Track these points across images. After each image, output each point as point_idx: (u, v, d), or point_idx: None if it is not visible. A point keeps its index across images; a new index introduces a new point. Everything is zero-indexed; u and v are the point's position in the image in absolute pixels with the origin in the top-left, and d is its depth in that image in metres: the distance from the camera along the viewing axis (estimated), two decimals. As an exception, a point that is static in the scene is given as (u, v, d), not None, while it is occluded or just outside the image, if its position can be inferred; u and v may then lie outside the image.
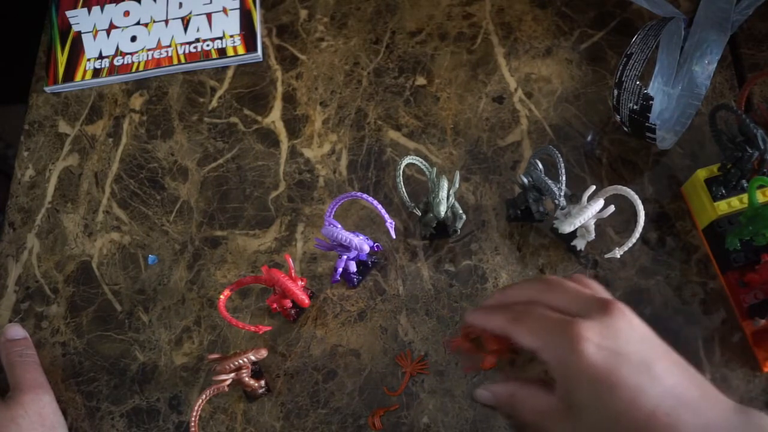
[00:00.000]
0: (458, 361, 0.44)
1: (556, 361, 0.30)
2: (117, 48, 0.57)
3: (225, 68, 0.57)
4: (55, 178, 0.54)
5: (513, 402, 0.33)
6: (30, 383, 0.44)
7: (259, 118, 0.54)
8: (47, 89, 0.57)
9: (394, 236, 0.43)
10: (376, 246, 0.47)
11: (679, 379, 0.29)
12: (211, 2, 0.58)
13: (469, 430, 0.42)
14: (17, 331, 0.48)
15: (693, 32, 0.50)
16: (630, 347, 0.30)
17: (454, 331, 0.45)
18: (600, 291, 0.35)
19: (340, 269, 0.45)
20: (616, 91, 0.44)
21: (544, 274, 0.46)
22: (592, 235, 0.44)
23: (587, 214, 0.41)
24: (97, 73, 0.57)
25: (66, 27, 0.59)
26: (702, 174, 0.45)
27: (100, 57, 0.57)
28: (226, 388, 0.42)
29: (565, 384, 0.30)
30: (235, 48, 0.56)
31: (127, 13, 0.59)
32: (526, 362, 0.36)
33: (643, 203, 0.40)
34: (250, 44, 0.56)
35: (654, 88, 0.50)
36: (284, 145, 0.53)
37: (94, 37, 0.58)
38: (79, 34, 0.58)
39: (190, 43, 0.57)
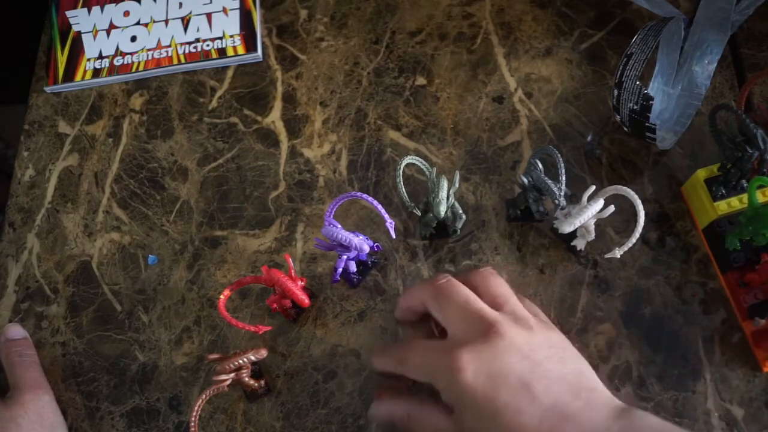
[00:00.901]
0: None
1: (445, 390, 0.31)
2: (117, 48, 0.57)
3: (225, 68, 0.57)
4: (55, 178, 0.54)
5: (409, 421, 0.33)
6: (30, 383, 0.44)
7: (259, 118, 0.54)
8: (47, 89, 0.57)
9: (394, 236, 0.43)
10: (376, 246, 0.47)
11: (559, 395, 0.30)
12: (211, 2, 0.58)
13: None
14: (17, 331, 0.48)
15: (693, 32, 0.50)
16: (508, 369, 0.30)
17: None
18: (497, 290, 0.35)
19: (340, 269, 0.45)
20: (616, 91, 0.44)
21: (542, 273, 0.46)
22: (592, 235, 0.44)
23: (587, 214, 0.41)
24: (97, 73, 0.57)
25: (66, 27, 0.59)
26: (702, 174, 0.45)
27: (100, 57, 0.57)
28: (226, 388, 0.42)
29: (456, 410, 0.31)
30: (235, 48, 0.56)
31: (127, 13, 0.59)
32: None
33: (643, 203, 0.40)
34: (250, 44, 0.56)
35: (654, 88, 0.50)
36: (284, 145, 0.53)
37: (94, 37, 0.58)
38: (79, 34, 0.58)
39: (190, 43, 0.57)
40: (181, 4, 0.59)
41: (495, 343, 0.30)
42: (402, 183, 0.44)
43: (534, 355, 0.31)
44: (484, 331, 0.31)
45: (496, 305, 0.34)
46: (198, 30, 0.57)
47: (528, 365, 0.30)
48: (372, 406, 0.37)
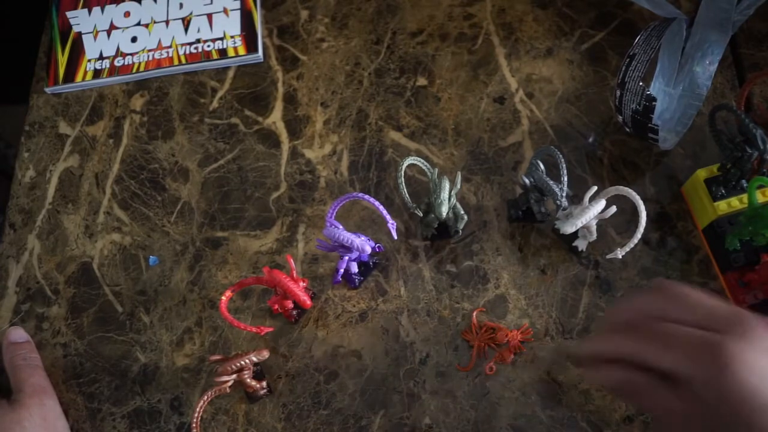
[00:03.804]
0: (460, 362, 0.44)
1: (703, 382, 0.29)
2: (117, 49, 0.57)
3: (226, 69, 0.56)
4: (56, 179, 0.54)
5: (632, 389, 0.31)
6: (34, 387, 0.44)
7: (260, 119, 0.54)
8: (48, 90, 0.57)
9: (395, 237, 0.43)
10: (378, 247, 0.47)
11: None
12: (211, 3, 0.58)
13: (470, 431, 0.42)
14: (20, 334, 0.47)
15: (694, 33, 0.50)
16: None
17: (456, 332, 0.45)
18: (715, 299, 0.32)
19: (342, 270, 0.45)
20: (618, 92, 0.44)
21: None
22: (594, 236, 0.44)
23: (589, 215, 0.41)
24: (97, 73, 0.57)
25: (66, 28, 0.59)
26: (702, 174, 0.45)
27: (101, 58, 0.57)
28: (228, 389, 0.42)
29: (713, 403, 0.28)
30: (235, 49, 0.56)
31: (127, 14, 0.59)
32: None
33: (644, 204, 0.40)
34: (250, 45, 0.56)
35: (655, 89, 0.50)
36: (285, 146, 0.53)
37: (95, 37, 0.58)
38: (79, 34, 0.58)
39: (190, 44, 0.57)
40: (181, 5, 0.59)
41: (762, 332, 0.28)
42: (403, 184, 0.44)
43: None
44: (743, 322, 0.29)
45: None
46: (199, 31, 0.57)
47: None
48: (592, 373, 0.33)
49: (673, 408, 0.30)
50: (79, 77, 0.57)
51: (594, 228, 0.43)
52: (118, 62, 0.57)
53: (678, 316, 0.31)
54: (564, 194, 0.43)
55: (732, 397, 0.28)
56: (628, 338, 0.32)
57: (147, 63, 0.56)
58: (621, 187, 0.40)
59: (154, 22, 0.58)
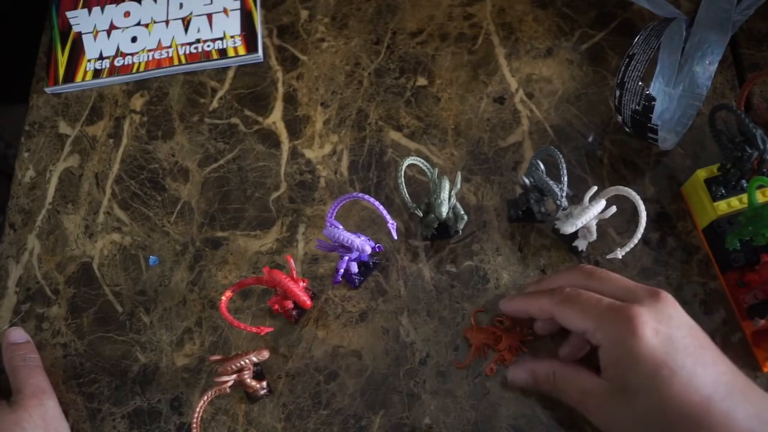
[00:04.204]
0: (460, 362, 0.44)
1: (610, 343, 0.30)
2: (117, 49, 0.57)
3: (226, 69, 0.56)
4: (56, 179, 0.54)
5: (555, 381, 0.33)
6: (34, 388, 0.44)
7: (260, 119, 0.54)
8: (47, 90, 0.57)
9: (395, 237, 0.43)
10: (378, 247, 0.47)
11: (726, 367, 0.30)
12: (211, 3, 0.58)
13: (470, 431, 0.43)
14: (20, 334, 0.47)
15: (694, 33, 0.50)
16: (683, 333, 0.30)
17: (456, 332, 0.45)
18: (632, 281, 0.35)
19: (342, 270, 0.45)
20: (618, 92, 0.44)
21: (545, 273, 0.46)
22: (594, 236, 0.44)
23: (589, 215, 0.41)
24: (97, 73, 0.57)
25: (66, 28, 0.59)
26: (702, 174, 0.45)
27: (101, 58, 0.57)
28: (228, 389, 0.42)
29: (619, 366, 0.30)
30: (235, 48, 0.56)
31: (127, 14, 0.59)
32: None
33: (644, 204, 0.40)
34: (250, 45, 0.56)
35: (655, 89, 0.50)
36: (285, 146, 0.53)
37: (95, 37, 0.58)
38: (79, 34, 0.58)
39: (190, 44, 0.57)
40: (181, 5, 0.59)
41: (669, 305, 0.31)
42: (403, 184, 0.44)
43: (697, 326, 0.31)
44: (654, 295, 0.31)
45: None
46: (199, 31, 0.57)
47: (696, 333, 0.30)
48: (509, 369, 0.35)
49: (594, 388, 0.31)
50: (79, 77, 0.57)
51: (594, 228, 0.43)
52: (118, 62, 0.57)
53: (596, 288, 0.33)
54: (564, 194, 0.43)
55: (638, 356, 0.29)
56: (549, 300, 0.33)
57: (147, 63, 0.56)
58: (621, 187, 0.40)
59: (154, 22, 0.58)
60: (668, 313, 0.31)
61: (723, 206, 0.44)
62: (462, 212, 0.45)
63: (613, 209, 0.41)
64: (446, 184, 0.44)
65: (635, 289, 0.32)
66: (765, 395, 0.29)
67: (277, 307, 0.44)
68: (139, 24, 0.58)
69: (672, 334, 0.30)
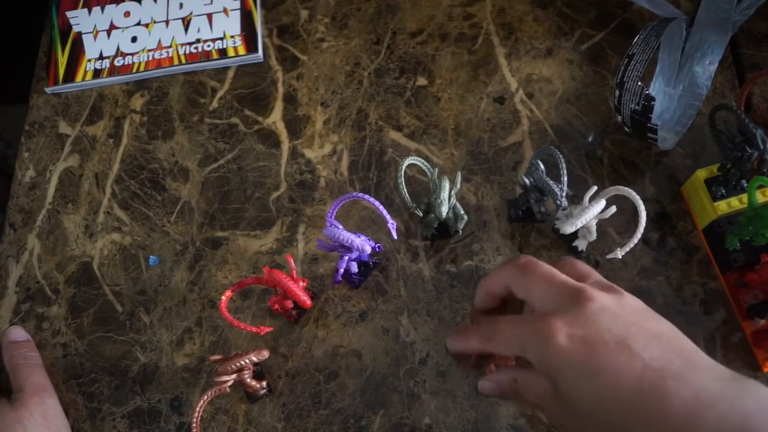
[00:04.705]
0: (459, 359, 0.44)
1: (537, 360, 0.31)
2: (117, 48, 0.57)
3: (226, 69, 0.57)
4: (56, 178, 0.54)
5: (516, 387, 0.33)
6: (35, 386, 0.44)
7: (260, 119, 0.54)
8: (48, 90, 0.57)
9: (395, 237, 0.43)
10: (378, 247, 0.47)
11: (659, 352, 0.29)
12: (211, 3, 0.58)
13: (470, 431, 0.43)
14: (20, 333, 0.47)
15: (694, 33, 0.50)
16: (603, 330, 0.30)
17: (455, 332, 0.45)
18: (580, 267, 0.35)
19: (342, 270, 0.45)
20: (617, 92, 0.44)
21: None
22: (594, 236, 0.44)
23: (589, 215, 0.41)
24: (97, 73, 0.57)
25: (66, 27, 0.59)
26: (702, 174, 0.45)
27: (101, 57, 0.57)
28: (228, 389, 0.42)
29: (551, 377, 0.31)
30: (235, 48, 0.56)
31: (127, 14, 0.59)
32: None
33: (644, 204, 0.40)
34: (250, 45, 0.56)
35: (655, 89, 0.50)
36: (285, 146, 0.53)
37: (95, 37, 0.58)
38: (79, 34, 0.58)
39: (190, 44, 0.57)
40: (181, 5, 0.59)
41: (586, 306, 0.30)
42: (403, 183, 0.44)
43: (627, 315, 0.31)
44: (574, 298, 0.31)
45: (581, 279, 0.34)
46: (199, 30, 0.57)
47: (622, 324, 0.30)
48: (479, 383, 0.36)
49: (546, 391, 0.31)
50: (79, 77, 0.57)
51: (594, 228, 0.43)
52: (118, 62, 0.57)
53: (522, 292, 0.34)
54: (564, 194, 0.43)
55: (559, 365, 0.30)
56: (472, 339, 0.35)
57: (147, 63, 0.56)
58: (621, 187, 0.40)
59: (154, 22, 0.58)
60: (586, 314, 0.30)
61: (723, 206, 0.44)
62: (462, 212, 0.45)
63: (613, 209, 0.41)
64: (446, 184, 0.44)
65: (557, 293, 0.32)
66: (710, 375, 0.28)
67: (277, 307, 0.44)
68: (139, 24, 0.58)
69: (590, 335, 0.30)
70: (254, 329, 0.43)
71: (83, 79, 0.56)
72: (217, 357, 0.42)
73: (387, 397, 0.44)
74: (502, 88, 0.53)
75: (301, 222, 0.50)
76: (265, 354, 0.42)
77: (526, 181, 0.44)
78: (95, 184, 0.53)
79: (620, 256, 0.41)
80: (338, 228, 0.41)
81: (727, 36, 0.49)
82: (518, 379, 0.33)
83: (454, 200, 0.44)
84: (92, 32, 0.58)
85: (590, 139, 0.50)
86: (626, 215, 0.47)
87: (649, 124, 0.43)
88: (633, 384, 0.28)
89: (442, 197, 0.43)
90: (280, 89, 0.55)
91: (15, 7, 0.65)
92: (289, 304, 0.45)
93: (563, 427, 0.33)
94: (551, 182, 0.43)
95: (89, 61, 0.57)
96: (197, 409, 0.41)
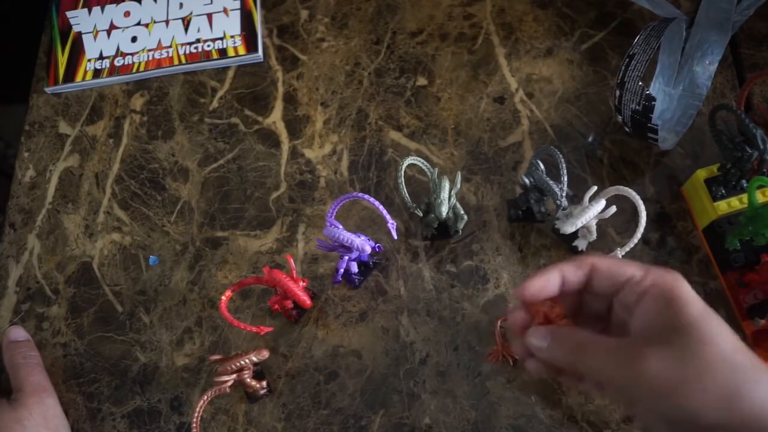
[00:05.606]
0: (459, 362, 0.44)
1: (662, 288, 0.31)
2: (117, 48, 0.57)
3: (226, 69, 0.56)
4: (56, 178, 0.54)
5: (580, 351, 0.31)
6: (34, 386, 0.44)
7: (260, 119, 0.54)
8: (48, 90, 0.57)
9: (395, 237, 0.43)
10: (378, 247, 0.47)
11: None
12: (211, 3, 0.58)
13: (470, 431, 0.43)
14: (20, 333, 0.47)
15: (694, 33, 0.50)
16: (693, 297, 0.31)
17: (455, 331, 0.45)
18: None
19: (342, 270, 0.45)
20: (618, 92, 0.44)
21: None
22: (594, 236, 0.44)
23: (589, 215, 0.41)
24: (97, 73, 0.57)
25: (66, 27, 0.59)
26: (702, 174, 0.45)
27: (101, 57, 0.57)
28: (228, 389, 0.42)
29: (668, 309, 0.30)
30: (235, 48, 0.56)
31: (127, 14, 0.59)
32: None
33: (644, 204, 0.40)
34: (250, 45, 0.56)
35: (655, 89, 0.50)
36: (285, 146, 0.53)
37: (95, 37, 0.58)
38: (79, 34, 0.58)
39: (190, 44, 0.57)
40: (181, 5, 0.59)
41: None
42: (403, 183, 0.44)
43: None
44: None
45: None
46: (199, 30, 0.57)
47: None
48: (532, 335, 0.32)
49: (617, 349, 0.30)
50: (79, 77, 0.57)
51: (594, 228, 0.43)
52: (118, 62, 0.57)
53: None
54: (564, 194, 0.43)
55: (687, 300, 0.31)
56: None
57: (147, 63, 0.56)
58: (621, 187, 0.40)
59: (154, 22, 0.58)
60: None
61: (723, 206, 0.44)
62: (462, 212, 0.45)
63: (613, 209, 0.41)
64: (446, 184, 0.44)
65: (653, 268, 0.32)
66: None
67: (277, 306, 0.44)
68: (139, 24, 0.58)
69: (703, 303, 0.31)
70: (254, 329, 0.43)
71: (83, 79, 0.56)
72: (217, 357, 0.42)
73: (387, 397, 0.44)
74: (502, 88, 0.53)
75: (301, 222, 0.50)
76: (265, 354, 0.42)
77: (526, 181, 0.44)
78: (95, 184, 0.53)
79: (620, 256, 0.41)
80: (338, 228, 0.41)
81: (727, 36, 0.49)
82: (583, 342, 0.31)
83: (454, 200, 0.44)
84: (92, 32, 0.58)
85: (590, 139, 0.50)
86: (626, 215, 0.47)
87: (649, 124, 0.43)
88: (736, 355, 0.29)
89: (442, 197, 0.43)
90: (280, 89, 0.55)
91: (15, 7, 0.65)
92: (289, 304, 0.45)
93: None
94: (551, 182, 0.43)
95: (89, 61, 0.57)
96: (197, 409, 0.41)
